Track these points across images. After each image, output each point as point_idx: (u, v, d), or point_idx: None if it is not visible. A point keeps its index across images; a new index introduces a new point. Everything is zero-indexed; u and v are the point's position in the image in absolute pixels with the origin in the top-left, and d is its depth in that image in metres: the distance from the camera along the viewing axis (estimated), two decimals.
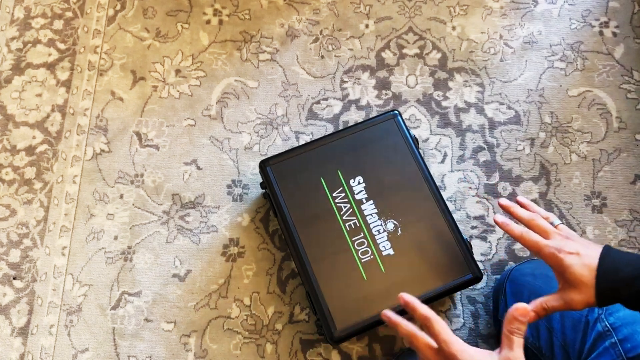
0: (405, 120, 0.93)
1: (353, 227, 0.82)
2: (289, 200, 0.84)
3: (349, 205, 0.83)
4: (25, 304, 0.93)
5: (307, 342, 0.89)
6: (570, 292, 0.56)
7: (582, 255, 0.57)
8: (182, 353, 0.89)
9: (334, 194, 0.84)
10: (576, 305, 0.56)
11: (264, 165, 0.86)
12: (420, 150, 0.98)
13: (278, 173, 0.86)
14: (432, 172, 0.96)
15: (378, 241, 0.81)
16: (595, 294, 0.55)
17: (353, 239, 0.81)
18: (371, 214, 0.83)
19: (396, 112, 0.89)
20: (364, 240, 0.81)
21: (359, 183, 0.85)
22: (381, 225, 0.82)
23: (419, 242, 0.81)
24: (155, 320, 0.91)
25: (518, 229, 0.63)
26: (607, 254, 0.56)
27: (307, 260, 0.80)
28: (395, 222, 0.82)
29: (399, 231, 0.82)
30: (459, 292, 0.91)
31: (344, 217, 0.83)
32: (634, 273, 0.53)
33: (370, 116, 1.01)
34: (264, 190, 0.93)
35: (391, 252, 0.80)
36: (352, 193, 0.84)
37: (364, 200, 0.84)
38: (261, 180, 0.89)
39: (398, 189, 0.84)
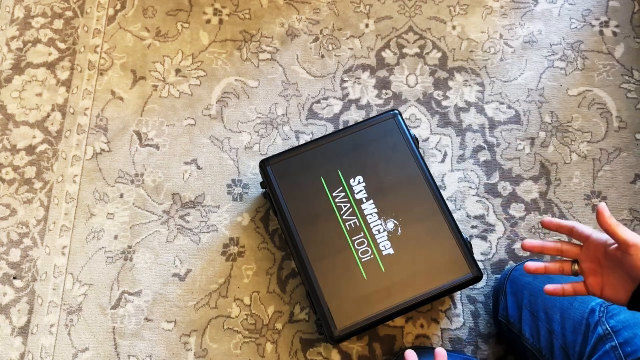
0: (405, 120, 0.93)
1: (353, 226, 0.82)
2: (289, 200, 0.84)
3: (349, 205, 0.83)
4: (25, 304, 0.93)
5: (307, 342, 0.89)
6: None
7: None
8: (182, 352, 0.89)
9: (334, 194, 0.84)
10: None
11: (264, 164, 0.86)
12: (420, 150, 0.98)
13: (278, 172, 0.85)
14: (432, 172, 0.96)
15: (378, 241, 0.81)
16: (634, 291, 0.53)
17: (353, 238, 0.81)
18: (371, 214, 0.83)
19: (396, 111, 0.89)
20: (364, 240, 0.81)
21: (359, 182, 0.85)
22: (381, 224, 0.82)
23: (419, 241, 0.81)
24: (156, 319, 0.91)
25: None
26: None
27: (307, 260, 0.80)
28: (395, 221, 0.82)
29: (399, 230, 0.82)
30: (459, 292, 0.91)
31: (344, 217, 0.83)
32: None
33: (371, 116, 1.01)
34: (264, 190, 0.93)
35: (391, 251, 0.80)
36: (352, 192, 0.84)
37: (364, 200, 0.84)
38: (261, 180, 0.89)
39: (398, 189, 0.84)
